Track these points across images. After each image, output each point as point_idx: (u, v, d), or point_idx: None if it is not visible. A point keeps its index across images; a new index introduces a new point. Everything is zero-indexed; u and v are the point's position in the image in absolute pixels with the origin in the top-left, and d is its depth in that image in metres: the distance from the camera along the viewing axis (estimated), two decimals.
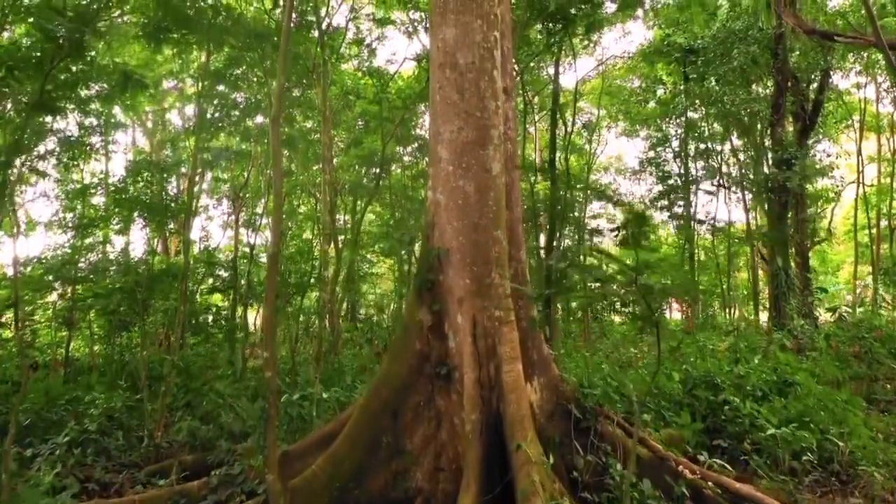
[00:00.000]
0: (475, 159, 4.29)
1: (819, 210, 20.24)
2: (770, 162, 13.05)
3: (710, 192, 18.44)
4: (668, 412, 6.25)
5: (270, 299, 5.79)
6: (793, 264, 13.62)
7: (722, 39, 12.80)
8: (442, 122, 4.38)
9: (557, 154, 16.33)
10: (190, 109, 17.61)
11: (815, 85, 13.68)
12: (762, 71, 14.05)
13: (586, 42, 15.26)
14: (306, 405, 6.59)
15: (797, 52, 13.10)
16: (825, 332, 9.53)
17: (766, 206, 13.93)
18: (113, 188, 11.94)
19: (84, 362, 12.50)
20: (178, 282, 9.78)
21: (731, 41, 12.93)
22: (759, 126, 13.38)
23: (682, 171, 16.38)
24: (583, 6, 10.47)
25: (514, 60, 5.46)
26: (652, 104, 16.76)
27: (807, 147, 13.25)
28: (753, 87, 14.51)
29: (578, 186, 18.75)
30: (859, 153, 19.74)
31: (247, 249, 14.34)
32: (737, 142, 17.96)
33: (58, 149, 11.83)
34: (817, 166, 15.71)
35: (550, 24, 12.46)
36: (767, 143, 14.00)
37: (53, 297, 11.87)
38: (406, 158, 20.04)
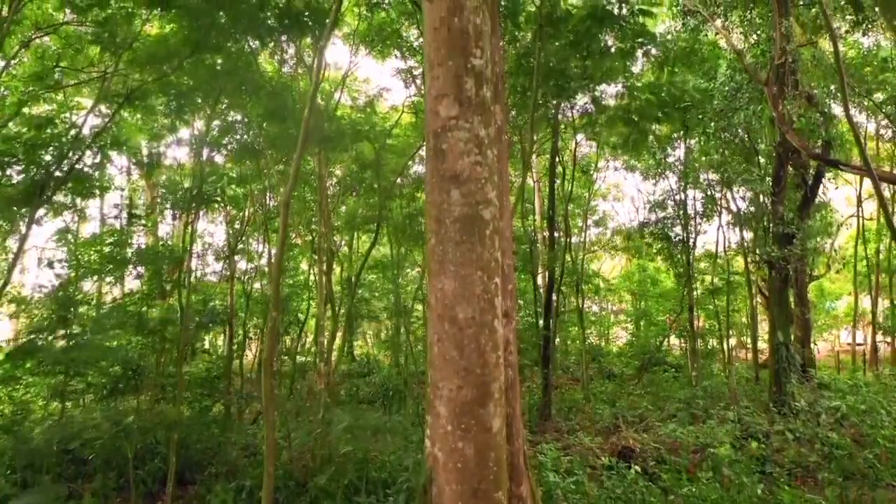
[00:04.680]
0: (475, 419, 4.13)
1: (818, 243, 20.14)
2: (770, 236, 12.89)
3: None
4: None
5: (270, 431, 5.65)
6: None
7: (722, 110, 12.56)
8: (441, 378, 4.22)
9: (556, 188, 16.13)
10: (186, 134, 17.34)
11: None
12: (765, 126, 13.82)
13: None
14: None
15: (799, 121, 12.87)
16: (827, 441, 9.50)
17: (767, 276, 13.81)
18: (108, 243, 11.70)
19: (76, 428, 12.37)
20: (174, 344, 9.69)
21: (732, 110, 12.70)
22: (759, 202, 13.20)
23: (683, 224, 16.18)
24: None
25: (513, 279, 5.30)
26: (649, 158, 16.54)
27: (808, 222, 13.09)
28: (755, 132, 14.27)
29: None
30: (859, 200, 19.63)
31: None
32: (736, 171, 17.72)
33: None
34: (817, 202, 15.62)
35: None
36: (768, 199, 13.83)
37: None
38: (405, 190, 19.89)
